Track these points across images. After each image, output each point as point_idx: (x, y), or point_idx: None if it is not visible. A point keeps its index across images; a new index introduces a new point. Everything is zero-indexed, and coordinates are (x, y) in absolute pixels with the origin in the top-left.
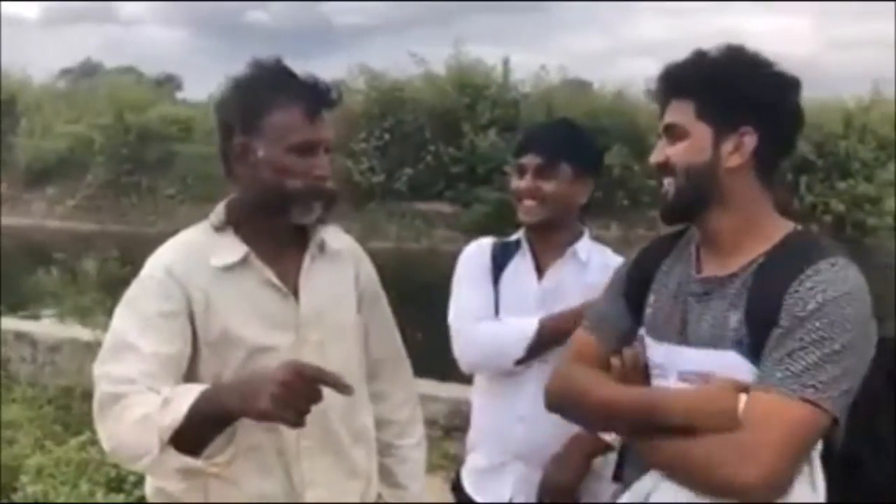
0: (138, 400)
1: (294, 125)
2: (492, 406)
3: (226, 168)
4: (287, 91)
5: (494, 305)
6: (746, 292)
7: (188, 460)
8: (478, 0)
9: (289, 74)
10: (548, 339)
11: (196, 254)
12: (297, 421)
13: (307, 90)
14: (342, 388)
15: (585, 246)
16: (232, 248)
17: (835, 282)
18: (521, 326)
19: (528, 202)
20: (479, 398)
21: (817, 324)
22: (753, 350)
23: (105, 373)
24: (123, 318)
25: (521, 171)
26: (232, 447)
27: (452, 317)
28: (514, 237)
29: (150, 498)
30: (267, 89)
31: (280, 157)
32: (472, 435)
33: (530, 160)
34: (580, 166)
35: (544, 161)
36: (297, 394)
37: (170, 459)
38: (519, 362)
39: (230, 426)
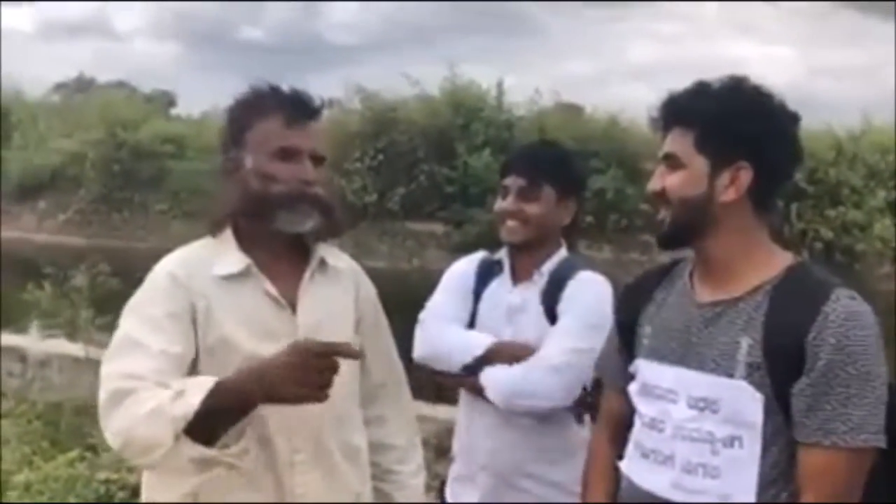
0: (149, 394)
1: (275, 132)
2: (466, 419)
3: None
4: (268, 102)
5: (470, 317)
6: (763, 318)
7: (203, 449)
8: None
9: (272, 88)
10: (494, 359)
11: (198, 262)
12: (321, 395)
13: (287, 99)
14: (352, 354)
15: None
16: (234, 259)
17: (858, 316)
18: (476, 340)
19: (511, 223)
20: (460, 411)
21: (856, 367)
22: (767, 375)
23: (112, 370)
24: (130, 320)
25: (505, 192)
26: (244, 440)
27: (423, 312)
28: (498, 255)
29: None
30: (251, 104)
31: (264, 164)
32: (454, 445)
33: (513, 181)
34: (563, 188)
35: (527, 182)
36: (315, 371)
37: (184, 449)
38: (464, 370)
39: (246, 416)
